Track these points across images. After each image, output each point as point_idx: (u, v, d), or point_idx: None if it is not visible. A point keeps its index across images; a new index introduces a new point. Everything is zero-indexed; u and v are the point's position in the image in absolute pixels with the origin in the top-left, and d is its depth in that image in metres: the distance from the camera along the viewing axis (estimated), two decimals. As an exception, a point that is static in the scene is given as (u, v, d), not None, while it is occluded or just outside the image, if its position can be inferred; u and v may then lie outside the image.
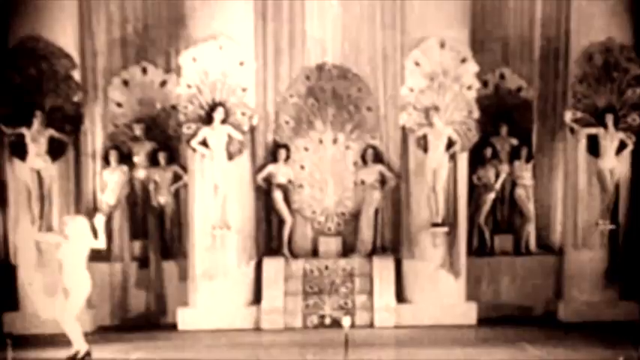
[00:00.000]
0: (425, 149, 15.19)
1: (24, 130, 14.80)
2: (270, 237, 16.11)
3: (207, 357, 12.92)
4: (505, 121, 16.50)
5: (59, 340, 13.01)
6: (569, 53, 15.88)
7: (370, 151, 16.12)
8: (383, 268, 15.39)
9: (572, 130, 15.60)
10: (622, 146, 15.41)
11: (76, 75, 15.27)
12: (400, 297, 15.28)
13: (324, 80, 16.29)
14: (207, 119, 15.06)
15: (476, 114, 15.26)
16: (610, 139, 15.36)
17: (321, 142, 16.34)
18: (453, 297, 15.24)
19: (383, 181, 16.09)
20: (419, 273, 15.29)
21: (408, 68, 15.28)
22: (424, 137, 15.17)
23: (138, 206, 16.22)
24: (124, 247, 15.91)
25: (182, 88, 15.15)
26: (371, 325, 14.98)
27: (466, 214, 15.53)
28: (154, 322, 15.75)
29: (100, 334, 14.84)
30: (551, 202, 16.65)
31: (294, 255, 15.91)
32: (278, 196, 15.94)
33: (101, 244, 12.54)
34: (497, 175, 16.32)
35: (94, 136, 16.28)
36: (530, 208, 16.42)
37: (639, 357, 11.51)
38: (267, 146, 16.18)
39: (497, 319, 15.38)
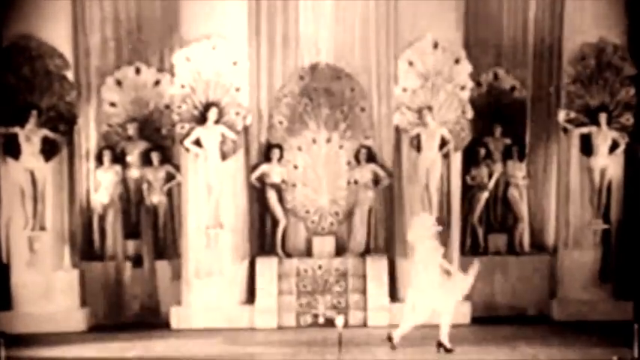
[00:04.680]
0: (418, 149, 15.21)
1: (17, 130, 14.79)
2: (263, 236, 16.07)
3: (201, 356, 12.89)
4: (498, 121, 16.51)
5: (52, 339, 13.00)
6: (563, 53, 15.89)
7: (364, 151, 16.10)
8: (376, 267, 15.38)
9: (565, 130, 15.63)
10: (615, 146, 15.44)
11: (70, 75, 15.24)
12: (394, 296, 15.28)
13: (318, 80, 16.26)
14: (201, 119, 15.07)
15: (469, 114, 15.28)
16: (603, 138, 15.38)
17: (314, 141, 16.31)
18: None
19: (376, 180, 16.08)
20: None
21: (401, 68, 15.29)
22: (417, 137, 15.19)
23: (131, 206, 16.21)
24: (117, 246, 15.87)
25: (175, 88, 15.16)
26: (364, 325, 14.98)
27: (459, 214, 15.52)
28: (147, 321, 15.73)
29: (94, 333, 14.82)
30: (545, 202, 16.63)
31: (288, 254, 15.88)
32: (272, 195, 15.92)
33: None
34: (490, 175, 16.32)
35: (88, 136, 16.24)
36: (523, 207, 16.42)
37: (632, 357, 11.50)
38: (260, 146, 16.14)
39: (491, 319, 15.37)
